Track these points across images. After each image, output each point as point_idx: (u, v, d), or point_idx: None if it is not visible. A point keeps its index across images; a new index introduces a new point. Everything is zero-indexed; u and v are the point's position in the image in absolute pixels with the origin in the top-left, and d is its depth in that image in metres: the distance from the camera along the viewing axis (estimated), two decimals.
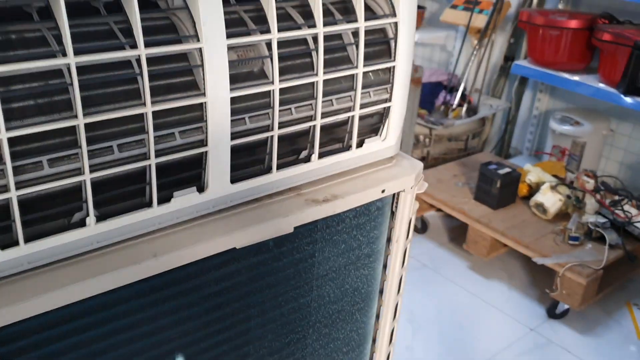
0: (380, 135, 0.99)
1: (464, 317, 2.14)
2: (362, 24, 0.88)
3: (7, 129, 0.60)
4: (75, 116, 0.64)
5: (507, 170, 2.40)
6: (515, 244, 2.24)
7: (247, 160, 0.84)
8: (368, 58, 0.92)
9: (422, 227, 2.72)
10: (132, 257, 0.72)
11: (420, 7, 3.44)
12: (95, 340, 0.73)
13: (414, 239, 2.58)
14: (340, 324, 1.05)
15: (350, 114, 0.92)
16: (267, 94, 0.81)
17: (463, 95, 3.09)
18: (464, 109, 3.01)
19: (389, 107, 0.97)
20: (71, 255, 0.70)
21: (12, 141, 0.61)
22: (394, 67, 0.95)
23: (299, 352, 1.00)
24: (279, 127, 0.84)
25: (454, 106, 3.05)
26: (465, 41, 3.25)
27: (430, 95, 3.06)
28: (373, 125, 0.99)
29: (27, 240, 0.66)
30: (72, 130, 0.65)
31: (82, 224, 0.70)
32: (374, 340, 1.15)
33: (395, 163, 1.02)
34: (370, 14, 0.92)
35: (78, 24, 0.65)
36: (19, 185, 0.63)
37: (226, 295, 0.84)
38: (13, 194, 0.62)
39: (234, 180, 0.82)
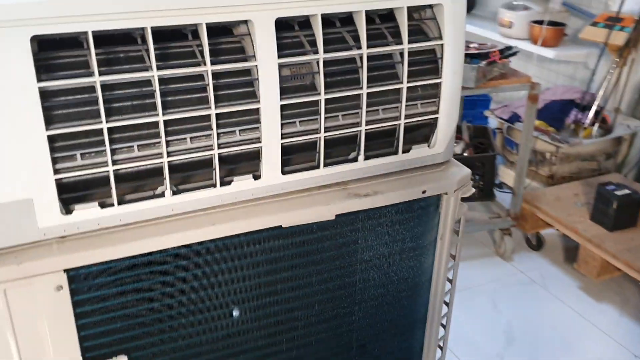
0: (429, 143, 1.12)
1: (565, 335, 2.12)
2: (405, 46, 1.03)
3: (107, 121, 0.85)
4: (157, 114, 0.87)
5: (626, 192, 2.32)
6: (626, 268, 2.17)
7: (300, 157, 1.03)
8: (415, 75, 1.06)
9: (537, 243, 2.70)
10: (196, 224, 0.94)
11: (560, 24, 3.38)
12: (166, 284, 0.96)
13: (526, 254, 2.59)
14: (386, 307, 1.19)
15: (396, 122, 1.07)
16: (316, 103, 1.00)
17: (597, 114, 2.99)
18: (595, 128, 2.92)
19: (436, 119, 1.11)
20: (153, 218, 0.94)
21: (111, 130, 0.86)
22: (440, 82, 1.08)
23: (345, 326, 1.16)
24: (327, 131, 1.01)
25: (586, 125, 2.97)
26: (604, 59, 3.14)
27: (560, 112, 3.00)
28: (423, 134, 1.13)
29: (120, 203, 0.90)
30: (156, 124, 0.89)
31: (162, 195, 0.93)
32: (424, 327, 1.27)
33: (443, 169, 1.15)
34: (422, 37, 1.07)
35: (163, 47, 0.89)
36: (114, 162, 0.87)
37: (275, 264, 1.03)
38: (110, 169, 0.87)
39: (285, 172, 1.01)
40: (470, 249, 2.67)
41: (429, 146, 1.12)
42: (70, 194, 0.87)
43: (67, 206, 0.87)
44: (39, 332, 0.89)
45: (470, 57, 2.29)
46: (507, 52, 2.34)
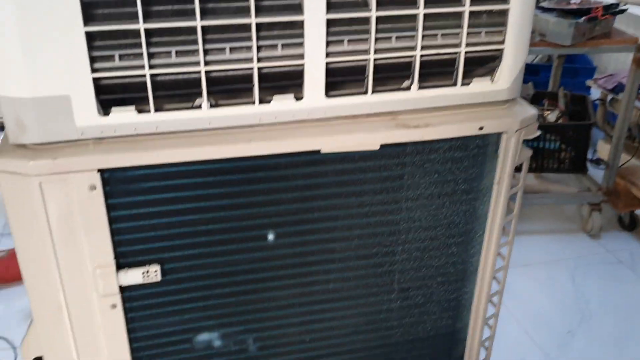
0: (493, 77, 1.03)
1: None
2: None
3: (145, 22, 0.84)
4: (195, 19, 0.86)
5: None
6: None
7: (348, 81, 0.98)
8: None
9: (630, 223, 2.49)
10: (232, 139, 0.92)
11: None
12: (201, 198, 0.95)
13: (616, 233, 2.41)
14: (433, 252, 1.13)
15: (456, 50, 0.99)
16: (367, 20, 0.94)
17: None
18: None
19: (501, 50, 1.01)
20: (189, 129, 0.93)
21: (149, 33, 0.85)
22: (507, 10, 0.99)
23: (387, 266, 1.11)
24: (377, 53, 0.95)
25: None
26: None
27: None
28: (486, 67, 1.04)
29: (157, 110, 0.90)
30: (194, 30, 0.87)
31: (199, 107, 0.92)
32: (475, 280, 1.20)
33: (506, 107, 1.05)
34: None
35: None
36: (152, 67, 0.87)
37: (313, 191, 1.00)
38: (147, 72, 0.86)
39: (330, 95, 0.96)
40: (554, 222, 2.51)
41: (492, 81, 1.03)
42: (108, 96, 0.88)
43: (105, 108, 0.88)
44: (74, 231, 0.91)
45: (570, 14, 2.11)
46: (611, 10, 2.14)
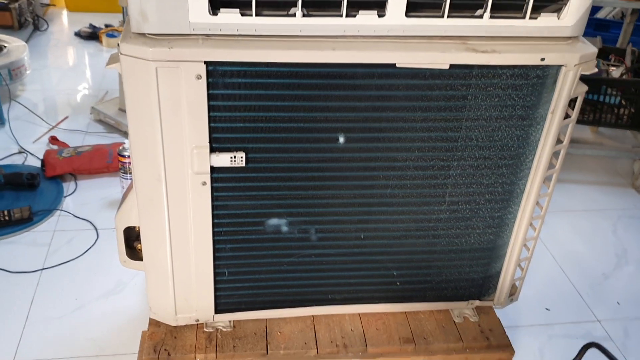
0: (559, 14, 1.12)
1: None
2: None
3: None
4: None
5: None
6: None
7: (427, 5, 1.08)
8: None
9: None
10: (319, 46, 1.05)
11: None
12: (286, 97, 1.09)
13: None
14: (484, 171, 1.24)
15: None
16: None
17: None
18: None
19: None
20: (283, 34, 1.06)
21: None
22: None
23: (441, 179, 1.24)
24: None
25: None
26: None
27: None
28: (554, 3, 1.12)
29: (257, 15, 1.03)
30: None
31: (293, 15, 1.04)
32: (519, 202, 1.31)
33: (569, 43, 1.14)
34: None
35: None
36: None
37: (384, 102, 1.12)
38: None
39: (409, 15, 1.07)
40: (605, 175, 2.57)
41: (558, 17, 1.12)
42: None
43: (214, 9, 1.02)
44: (179, 114, 1.07)
45: None
46: None
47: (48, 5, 3.84)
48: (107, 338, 1.60)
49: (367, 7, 1.06)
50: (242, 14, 1.03)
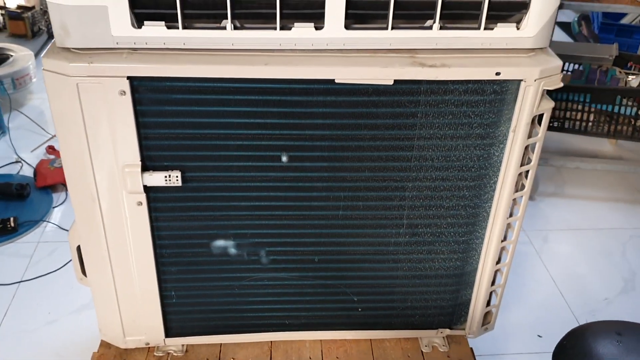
0: (519, 24, 1.03)
1: None
2: None
3: None
4: None
5: None
6: None
7: (369, 17, 1.01)
8: None
9: None
10: (251, 61, 0.99)
11: None
12: (220, 114, 1.03)
13: None
14: (444, 192, 1.16)
15: None
16: None
17: None
18: None
19: None
20: (213, 48, 1.00)
21: None
22: None
23: (396, 200, 1.16)
24: None
25: None
26: None
27: None
28: (513, 13, 1.03)
29: (185, 27, 0.97)
30: None
31: (224, 28, 0.98)
32: (486, 225, 1.22)
33: (530, 55, 1.05)
34: None
35: None
36: None
37: (327, 119, 1.05)
38: None
39: (349, 27, 1.00)
40: (620, 191, 2.42)
41: (517, 27, 1.02)
42: (141, 10, 0.96)
43: (138, 21, 0.97)
44: (106, 131, 1.02)
45: None
46: None
47: None
48: (72, 354, 1.57)
49: (303, 18, 0.99)
50: (169, 27, 0.97)
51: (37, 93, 2.97)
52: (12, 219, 1.99)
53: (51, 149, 2.44)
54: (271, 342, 1.34)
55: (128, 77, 0.97)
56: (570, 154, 2.53)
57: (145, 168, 1.07)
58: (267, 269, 1.23)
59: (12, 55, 2.79)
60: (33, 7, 3.33)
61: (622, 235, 2.16)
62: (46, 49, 1.00)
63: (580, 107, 2.34)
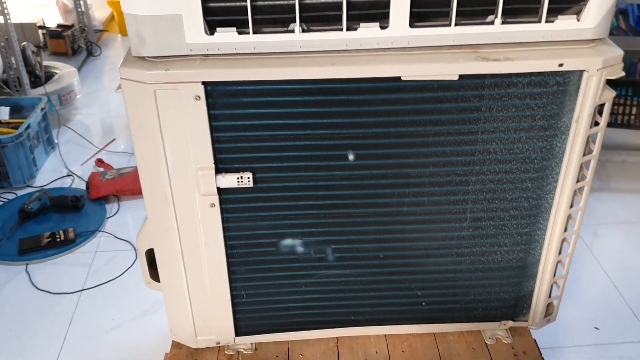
0: (579, 16, 1.04)
1: None
2: None
3: None
4: None
5: None
6: None
7: (433, 11, 1.03)
8: None
9: None
10: (319, 62, 1.02)
11: None
12: (290, 115, 1.06)
13: None
14: (507, 185, 1.17)
15: None
16: None
17: None
18: None
19: None
20: (282, 51, 1.03)
21: None
22: None
23: (460, 194, 1.18)
24: None
25: None
26: None
27: None
28: (573, 5, 1.05)
29: (255, 32, 1.01)
30: None
31: (292, 31, 1.02)
32: (549, 216, 1.23)
33: (592, 46, 1.06)
34: None
35: None
36: None
37: (392, 117, 1.08)
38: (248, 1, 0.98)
39: (414, 25, 1.02)
40: None
41: (578, 19, 1.04)
42: (214, 17, 1.00)
43: (210, 29, 1.01)
44: (181, 136, 1.06)
45: None
46: None
47: (102, 31, 3.99)
48: (139, 357, 1.61)
49: (369, 19, 1.02)
50: (240, 32, 1.01)
51: (82, 109, 3.05)
52: (70, 230, 2.05)
53: (100, 162, 2.51)
54: (337, 338, 1.37)
55: (203, 82, 1.02)
56: (614, 147, 2.51)
57: (217, 170, 1.11)
58: (334, 266, 1.26)
59: (57, 73, 2.87)
60: (72, 26, 3.43)
61: None
62: (123, 58, 1.04)
63: (622, 100, 2.34)
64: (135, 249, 2.03)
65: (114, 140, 2.75)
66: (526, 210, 1.21)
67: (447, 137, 1.11)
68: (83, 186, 2.35)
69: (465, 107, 1.08)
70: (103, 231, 2.12)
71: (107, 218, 2.19)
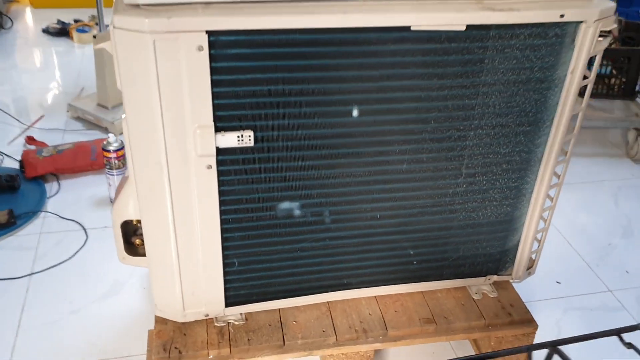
0: None
1: None
2: None
3: None
4: None
5: None
6: None
7: None
8: None
9: None
10: (330, 10, 0.97)
11: None
12: (295, 68, 1.02)
13: None
14: (502, 139, 1.19)
15: None
16: None
17: None
18: None
19: None
20: (289, 0, 0.98)
21: None
22: None
23: (457, 150, 1.18)
24: None
25: None
26: None
27: None
28: None
29: None
30: None
31: None
32: (538, 169, 1.26)
33: None
34: None
35: None
36: None
37: (399, 69, 1.06)
38: None
39: None
40: (599, 147, 2.55)
41: None
42: None
43: None
44: (179, 91, 0.99)
45: None
46: None
47: (11, 1, 3.69)
48: (109, 341, 1.51)
49: None
50: None
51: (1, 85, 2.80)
52: (7, 211, 1.88)
53: (31, 140, 2.32)
54: (328, 302, 1.34)
55: (207, 32, 0.94)
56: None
57: (217, 129, 1.04)
58: (330, 229, 1.22)
59: None
60: None
61: (610, 187, 2.28)
62: (113, 7, 0.95)
63: None
64: (84, 229, 1.90)
65: (42, 117, 2.55)
66: (517, 164, 1.23)
67: (451, 91, 1.10)
68: (16, 165, 2.16)
69: (470, 59, 1.07)
70: (45, 211, 1.96)
71: (48, 198, 2.03)
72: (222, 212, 1.14)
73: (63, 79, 2.98)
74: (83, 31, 3.43)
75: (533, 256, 1.43)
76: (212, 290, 1.23)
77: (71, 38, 3.46)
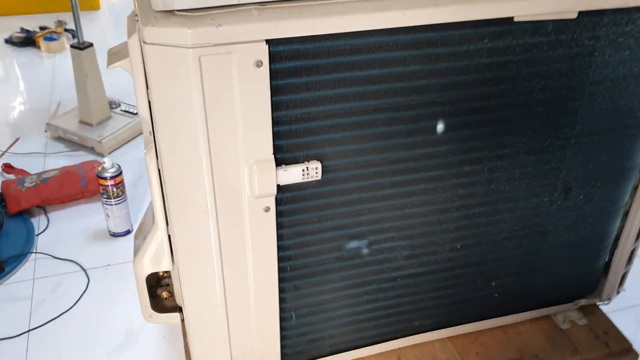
0: None
1: None
2: None
3: None
4: None
5: None
6: None
7: None
8: None
9: None
10: (418, 3, 0.76)
11: None
12: (366, 80, 0.80)
13: None
14: (605, 146, 0.99)
15: None
16: None
17: None
18: None
19: None
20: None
21: None
22: None
23: (555, 162, 0.98)
24: None
25: None
26: None
27: None
28: None
29: None
30: None
31: None
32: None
33: None
34: None
35: None
36: None
37: (496, 72, 0.85)
38: None
39: None
40: None
41: None
42: None
43: None
44: (232, 119, 0.76)
45: None
46: None
47: None
48: None
49: None
50: None
51: None
52: None
53: (8, 167, 2.05)
54: (398, 349, 1.14)
55: (266, 41, 0.72)
56: None
57: (277, 163, 0.82)
58: (402, 266, 1.02)
59: None
60: None
61: None
62: (139, 15, 0.72)
63: None
64: (84, 270, 1.66)
65: (17, 139, 2.28)
66: (618, 174, 1.04)
67: (553, 93, 0.90)
68: None
69: (578, 52, 0.87)
70: (36, 252, 1.71)
71: (37, 235, 1.78)
72: (279, 259, 0.93)
73: (34, 94, 2.70)
74: (51, 39, 3.14)
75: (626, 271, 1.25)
76: (266, 349, 1.02)
77: (38, 47, 3.17)
